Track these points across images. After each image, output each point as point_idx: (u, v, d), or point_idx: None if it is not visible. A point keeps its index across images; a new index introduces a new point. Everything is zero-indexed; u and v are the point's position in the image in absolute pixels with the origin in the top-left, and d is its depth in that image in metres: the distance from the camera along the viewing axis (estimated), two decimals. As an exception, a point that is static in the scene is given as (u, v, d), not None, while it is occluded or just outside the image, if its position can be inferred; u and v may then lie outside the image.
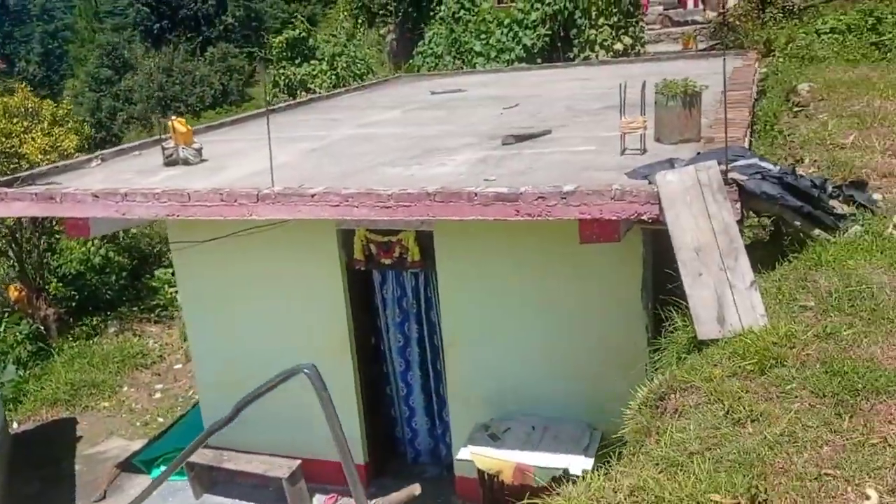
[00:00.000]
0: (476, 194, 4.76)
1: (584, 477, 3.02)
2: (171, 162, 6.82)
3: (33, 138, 11.43)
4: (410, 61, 20.79)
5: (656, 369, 4.19)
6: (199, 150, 6.91)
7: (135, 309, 12.63)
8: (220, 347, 7.87)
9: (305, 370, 2.67)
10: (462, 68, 17.81)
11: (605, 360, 6.25)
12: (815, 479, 2.58)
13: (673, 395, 3.42)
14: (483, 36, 18.81)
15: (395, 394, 7.94)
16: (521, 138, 6.39)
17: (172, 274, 12.44)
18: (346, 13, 26.89)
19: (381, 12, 25.79)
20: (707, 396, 3.24)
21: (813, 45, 15.15)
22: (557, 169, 5.36)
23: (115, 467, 8.49)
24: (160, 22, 40.58)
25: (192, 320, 8.20)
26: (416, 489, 2.75)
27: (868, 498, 2.48)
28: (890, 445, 2.69)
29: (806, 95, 9.08)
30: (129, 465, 8.49)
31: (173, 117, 7.14)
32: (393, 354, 7.70)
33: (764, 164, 4.54)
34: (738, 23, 18.61)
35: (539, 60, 17.32)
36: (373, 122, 8.75)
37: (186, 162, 6.79)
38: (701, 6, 23.76)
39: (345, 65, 22.23)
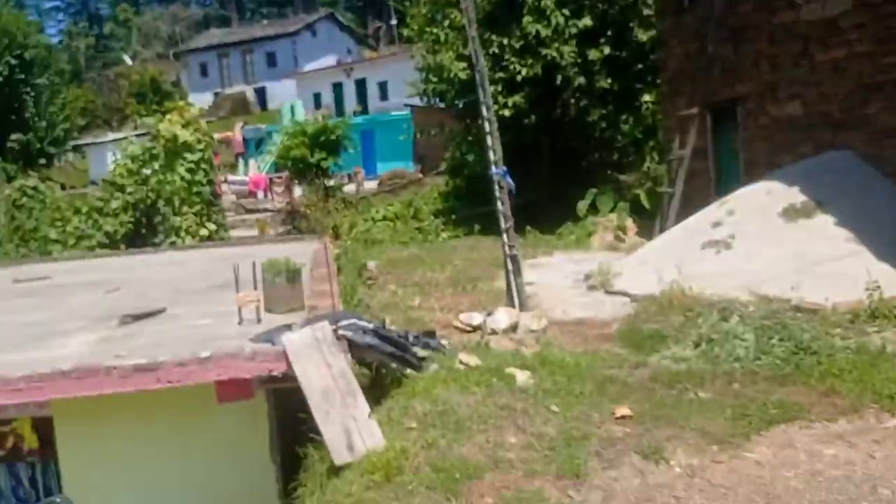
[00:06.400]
0: (114, 368, 5.15)
1: None
2: None
3: None
4: (-41, 250, 20.54)
5: (298, 501, 5.08)
6: None
7: None
8: None
9: (58, 499, 2.87)
10: (26, 255, 17.94)
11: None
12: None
13: (322, 516, 4.32)
14: (58, 223, 19.44)
15: None
16: (138, 317, 6.90)
17: None
18: None
19: None
20: (350, 510, 4.19)
21: (371, 230, 19.93)
22: (183, 341, 5.92)
23: None
24: None
25: None
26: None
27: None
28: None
29: (374, 271, 11.88)
30: None
31: None
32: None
33: (362, 322, 5.81)
34: (307, 211, 22.78)
35: (122, 246, 18.11)
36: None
37: None
38: (270, 196, 27.38)
39: None
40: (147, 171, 18.95)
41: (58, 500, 3.02)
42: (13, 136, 36.46)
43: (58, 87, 42.91)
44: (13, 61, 36.35)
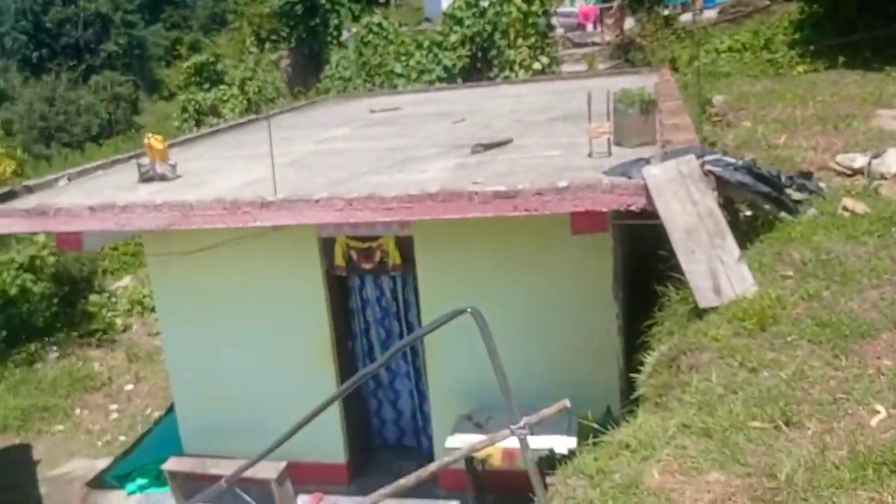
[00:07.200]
0: (476, 193, 5.32)
1: (627, 420, 3.67)
2: (147, 178, 7.16)
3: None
4: (318, 85, 22.36)
5: (654, 339, 4.85)
6: (174, 167, 7.28)
7: (73, 334, 12.93)
8: (198, 359, 8.31)
9: (469, 310, 3.15)
10: (372, 89, 18.96)
11: (579, 347, 6.96)
12: (832, 403, 3.29)
13: (684, 356, 4.10)
14: (403, 58, 20.17)
15: (374, 394, 8.59)
16: (489, 146, 6.99)
17: (108, 298, 13.40)
18: (251, 39, 27.71)
19: (271, 38, 26.59)
20: (718, 353, 3.91)
21: (716, 63, 17.74)
22: (535, 171, 5.90)
23: (84, 486, 8.99)
24: (39, 50, 40.08)
25: (170, 333, 8.65)
26: (565, 403, 3.10)
27: (878, 413, 3.16)
28: (883, 374, 3.43)
29: (722, 106, 10.61)
30: (100, 483, 8.99)
31: (149, 135, 7.53)
32: (374, 353, 8.27)
33: (727, 158, 5.26)
34: (643, 42, 21.03)
35: (459, 80, 18.53)
36: (329, 139, 9.15)
37: (164, 178, 7.15)
38: (599, 28, 25.74)
39: (256, 89, 22.97)
40: (485, 3, 19.13)
41: (468, 310, 3.10)
42: (356, -24, 38.80)
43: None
44: None
